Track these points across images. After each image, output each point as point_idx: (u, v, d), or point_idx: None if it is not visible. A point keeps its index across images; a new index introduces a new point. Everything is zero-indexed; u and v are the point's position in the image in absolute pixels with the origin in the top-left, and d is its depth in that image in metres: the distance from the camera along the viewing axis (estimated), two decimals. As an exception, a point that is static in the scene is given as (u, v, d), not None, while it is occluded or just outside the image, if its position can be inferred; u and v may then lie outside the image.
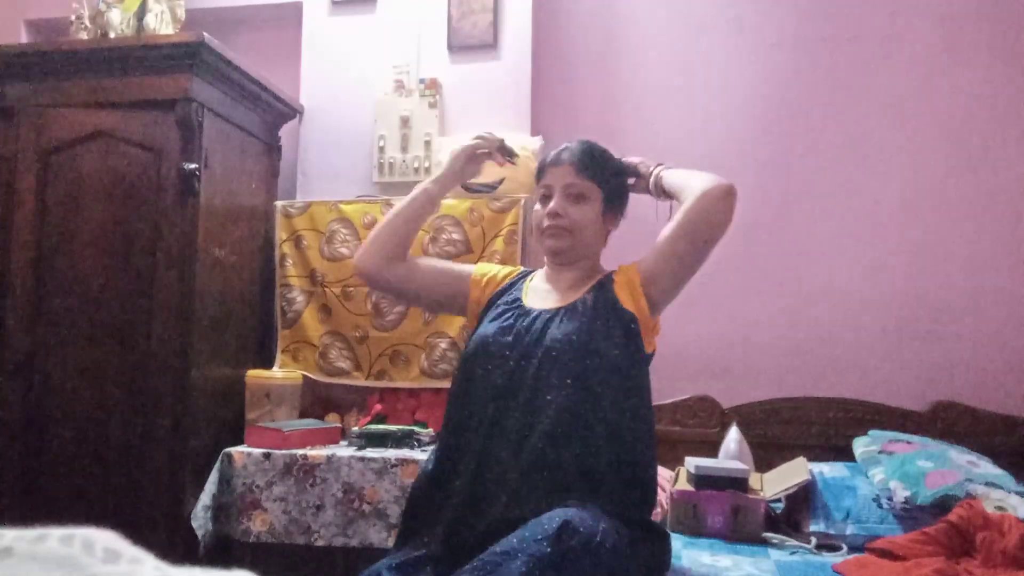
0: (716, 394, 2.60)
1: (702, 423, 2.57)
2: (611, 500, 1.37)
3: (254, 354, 2.61)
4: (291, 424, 2.33)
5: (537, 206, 1.61)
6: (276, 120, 2.78)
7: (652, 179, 1.62)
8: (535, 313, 1.52)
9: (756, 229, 2.70)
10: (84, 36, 2.50)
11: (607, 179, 1.58)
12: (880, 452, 2.13)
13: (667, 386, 2.61)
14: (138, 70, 2.32)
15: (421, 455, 2.17)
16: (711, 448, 2.40)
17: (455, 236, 2.47)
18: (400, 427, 2.35)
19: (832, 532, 1.94)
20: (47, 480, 2.28)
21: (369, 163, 2.73)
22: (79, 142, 2.36)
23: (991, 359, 2.54)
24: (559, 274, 1.60)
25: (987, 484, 1.90)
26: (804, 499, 2.02)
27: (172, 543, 2.15)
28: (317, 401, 2.61)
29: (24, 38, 3.13)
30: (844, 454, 2.31)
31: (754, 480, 2.10)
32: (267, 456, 2.19)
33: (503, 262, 2.39)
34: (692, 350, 2.67)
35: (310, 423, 2.40)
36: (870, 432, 2.33)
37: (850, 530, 1.93)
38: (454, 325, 2.48)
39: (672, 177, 1.59)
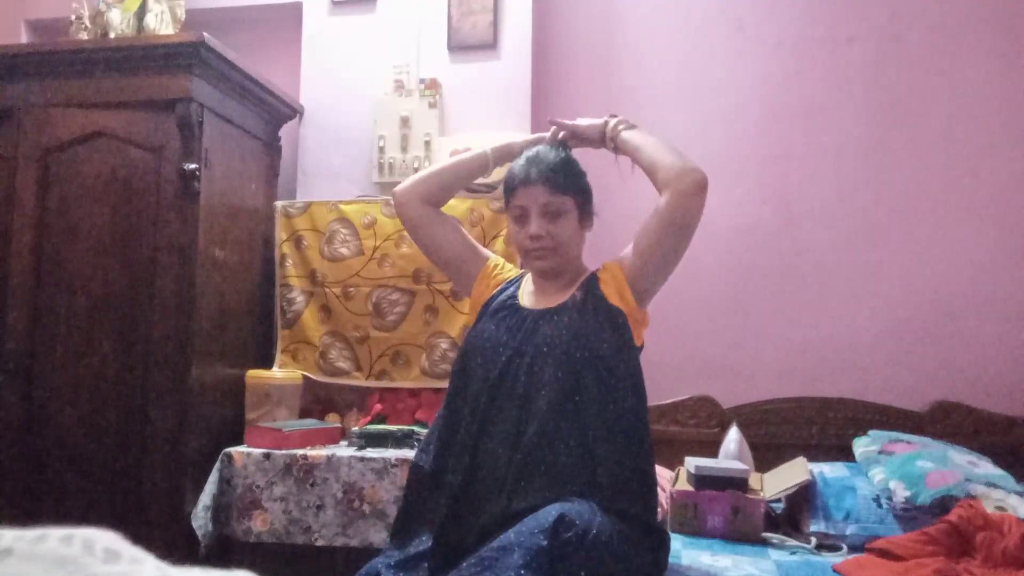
0: (716, 394, 2.60)
1: (702, 423, 2.57)
2: (609, 495, 1.37)
3: (254, 354, 2.61)
4: (291, 424, 2.33)
5: (513, 226, 1.60)
6: (276, 120, 2.78)
7: (609, 139, 1.64)
8: (527, 312, 1.55)
9: (756, 229, 2.70)
10: (84, 36, 2.50)
11: (579, 188, 1.58)
12: (880, 452, 2.13)
13: (667, 386, 2.62)
14: (138, 70, 2.32)
15: (421, 455, 2.18)
16: (711, 448, 2.40)
17: (455, 236, 2.47)
18: (400, 427, 2.35)
19: (832, 532, 1.94)
20: (47, 480, 2.28)
21: (369, 163, 2.73)
22: (79, 142, 2.36)
23: (991, 359, 2.54)
24: (548, 282, 1.61)
25: (987, 484, 1.90)
26: (804, 499, 2.02)
27: (172, 543, 2.15)
28: (317, 401, 2.61)
29: (24, 38, 3.13)
30: (844, 454, 2.31)
31: (754, 480, 2.10)
32: (267, 456, 2.19)
33: (503, 262, 2.39)
34: (692, 350, 2.67)
35: (310, 423, 2.40)
36: (870, 432, 2.32)
37: (850, 530, 1.93)
38: (455, 325, 2.48)
39: (634, 142, 1.59)
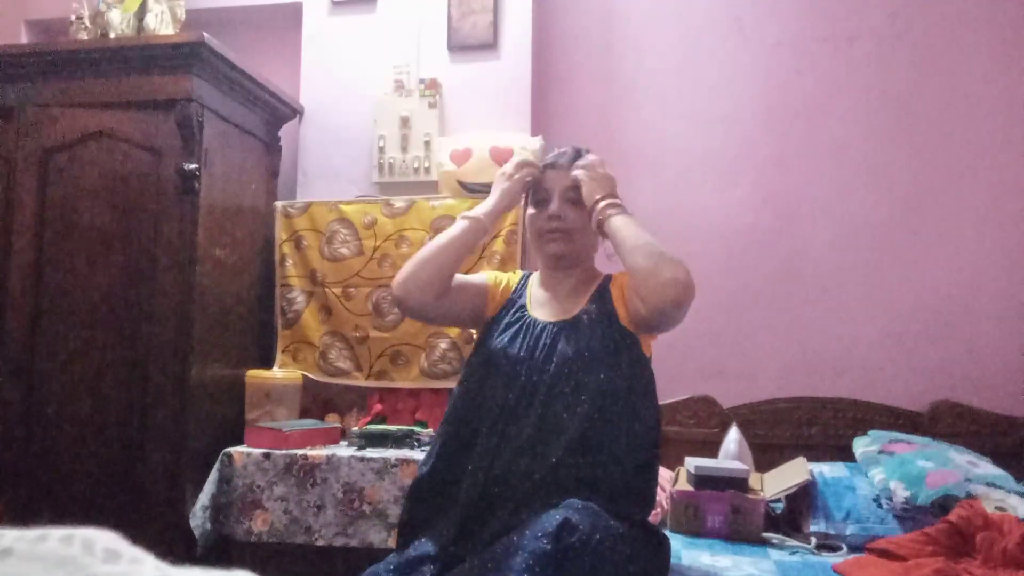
0: (716, 394, 2.60)
1: (702, 423, 2.57)
2: (613, 500, 1.37)
3: (254, 354, 2.61)
4: (291, 424, 2.33)
5: (531, 210, 1.60)
6: (276, 120, 2.78)
7: (596, 220, 1.50)
8: (542, 325, 1.52)
9: (756, 229, 2.70)
10: (84, 36, 2.50)
11: None
12: (880, 452, 2.13)
13: (667, 386, 2.60)
14: (138, 70, 2.32)
15: (421, 455, 2.17)
16: (711, 448, 2.40)
17: (455, 236, 2.47)
18: (400, 427, 2.35)
19: (832, 532, 1.94)
20: (47, 480, 2.28)
21: (369, 163, 2.73)
22: (79, 142, 2.36)
23: (991, 359, 2.54)
24: (558, 281, 1.59)
25: (987, 484, 1.90)
26: (804, 499, 2.02)
27: (172, 543, 2.15)
28: (317, 401, 2.61)
29: (24, 38, 3.13)
30: (844, 454, 2.31)
31: (754, 480, 2.10)
32: (267, 456, 2.19)
33: (503, 262, 2.39)
34: (692, 350, 2.67)
35: (310, 423, 2.40)
36: (870, 432, 2.33)
37: (850, 530, 1.93)
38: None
39: (620, 235, 1.46)
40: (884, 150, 2.65)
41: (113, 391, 2.27)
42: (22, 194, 2.36)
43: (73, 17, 2.55)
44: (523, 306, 1.59)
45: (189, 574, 0.42)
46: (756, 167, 2.72)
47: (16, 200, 2.36)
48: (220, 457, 2.22)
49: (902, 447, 2.13)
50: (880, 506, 1.97)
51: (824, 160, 2.69)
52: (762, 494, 2.02)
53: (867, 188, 2.65)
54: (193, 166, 2.26)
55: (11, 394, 2.31)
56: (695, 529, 1.99)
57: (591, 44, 2.86)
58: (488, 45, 2.71)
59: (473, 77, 2.71)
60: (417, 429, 2.36)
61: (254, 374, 2.46)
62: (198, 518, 2.15)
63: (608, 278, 1.59)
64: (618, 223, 1.47)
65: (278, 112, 2.74)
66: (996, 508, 1.80)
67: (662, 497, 2.10)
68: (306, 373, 2.56)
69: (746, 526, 1.96)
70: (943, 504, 1.85)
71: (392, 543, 1.95)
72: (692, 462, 2.08)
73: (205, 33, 2.24)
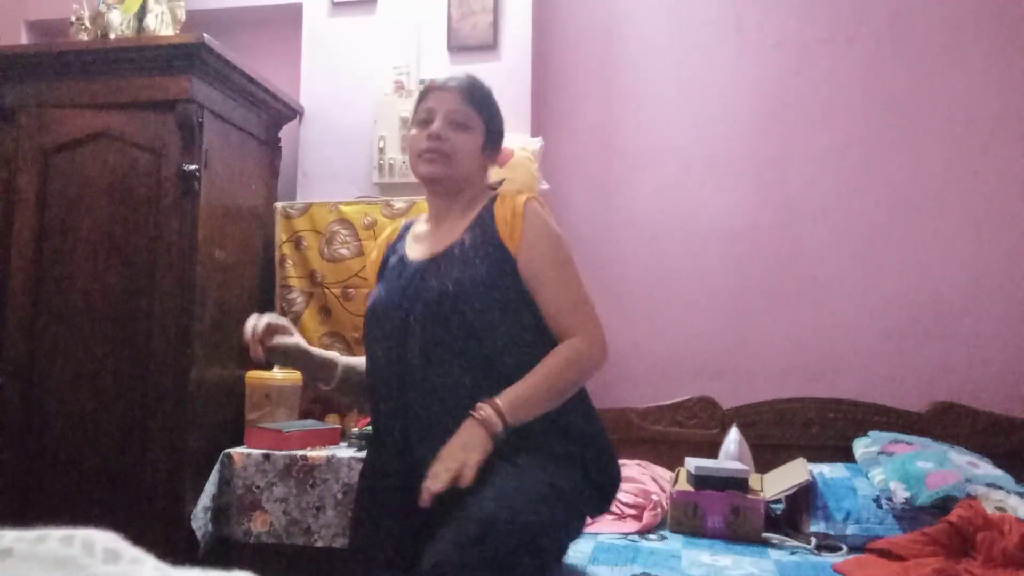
0: (716, 394, 2.60)
1: (702, 424, 2.57)
2: (540, 446, 1.35)
3: (254, 354, 2.61)
4: (291, 425, 2.33)
5: (414, 130, 1.53)
6: (276, 120, 2.78)
7: (502, 431, 1.32)
8: (414, 266, 1.48)
9: (755, 229, 2.70)
10: (84, 37, 2.50)
11: (491, 115, 1.55)
12: (880, 453, 2.13)
13: (667, 386, 2.62)
14: (138, 71, 2.33)
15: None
16: (711, 449, 2.40)
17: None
18: (400, 427, 2.35)
19: (832, 532, 1.94)
20: (47, 481, 2.28)
21: (369, 164, 2.73)
22: (79, 142, 2.36)
23: (991, 359, 2.54)
24: (440, 212, 1.53)
25: (987, 485, 1.90)
26: (804, 499, 2.02)
27: (172, 543, 2.15)
28: (317, 402, 2.61)
29: (25, 39, 3.13)
30: (844, 454, 2.31)
31: (754, 480, 2.10)
32: (267, 457, 2.19)
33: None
34: (692, 350, 2.67)
35: (310, 424, 2.40)
36: (870, 433, 2.33)
37: (850, 530, 1.93)
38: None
39: (534, 411, 1.35)
40: (884, 150, 2.65)
41: (113, 391, 2.27)
42: (22, 194, 2.36)
43: (73, 18, 2.55)
44: (403, 252, 1.55)
45: (189, 574, 0.42)
46: (756, 167, 2.72)
47: (16, 201, 2.36)
48: (220, 458, 2.22)
49: (902, 448, 2.13)
50: (880, 507, 1.96)
51: (824, 160, 2.69)
52: (762, 494, 2.02)
53: (867, 188, 2.65)
54: (193, 167, 2.26)
55: (11, 394, 2.31)
56: (695, 529, 1.99)
57: (591, 44, 2.86)
58: (488, 46, 2.71)
59: (473, 77, 2.71)
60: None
61: (254, 375, 2.46)
62: (200, 519, 2.15)
63: (492, 199, 1.51)
64: (521, 414, 1.33)
65: (278, 113, 2.74)
66: (996, 508, 1.80)
67: (662, 497, 2.10)
68: (306, 373, 2.55)
69: (746, 526, 1.96)
70: (943, 505, 1.85)
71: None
72: (692, 462, 2.08)
73: (205, 34, 2.25)
